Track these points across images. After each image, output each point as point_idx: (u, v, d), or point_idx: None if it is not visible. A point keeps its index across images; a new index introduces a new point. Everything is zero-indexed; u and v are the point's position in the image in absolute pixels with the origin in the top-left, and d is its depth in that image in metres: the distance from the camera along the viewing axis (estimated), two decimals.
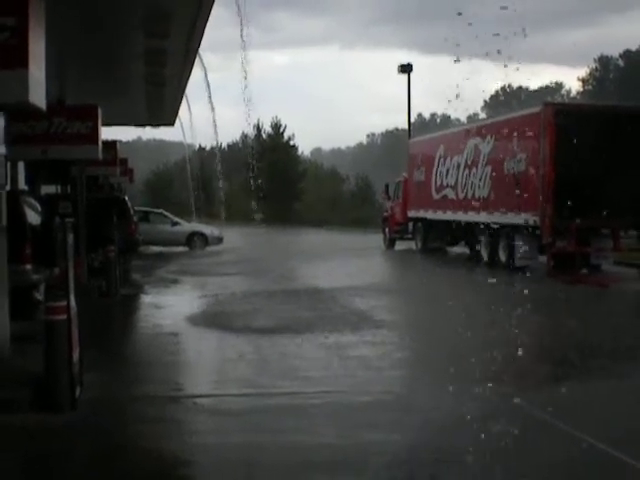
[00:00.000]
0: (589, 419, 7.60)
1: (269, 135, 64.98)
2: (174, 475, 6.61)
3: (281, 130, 65.16)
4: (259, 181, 44.96)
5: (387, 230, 34.24)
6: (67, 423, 7.73)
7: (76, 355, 8.24)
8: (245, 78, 14.84)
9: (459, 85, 6.79)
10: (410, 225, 32.45)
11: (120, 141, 24.71)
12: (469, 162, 26.33)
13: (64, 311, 8.01)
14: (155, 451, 7.14)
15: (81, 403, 8.08)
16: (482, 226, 24.67)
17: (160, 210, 34.81)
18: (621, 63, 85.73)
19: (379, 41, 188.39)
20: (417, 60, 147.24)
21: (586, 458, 6.64)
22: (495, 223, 23.68)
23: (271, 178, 58.75)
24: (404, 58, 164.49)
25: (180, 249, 31.10)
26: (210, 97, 32.40)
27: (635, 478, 6.39)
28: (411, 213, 31.98)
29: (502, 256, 23.14)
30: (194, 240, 31.86)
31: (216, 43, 68.39)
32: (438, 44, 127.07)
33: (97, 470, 6.64)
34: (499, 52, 6.35)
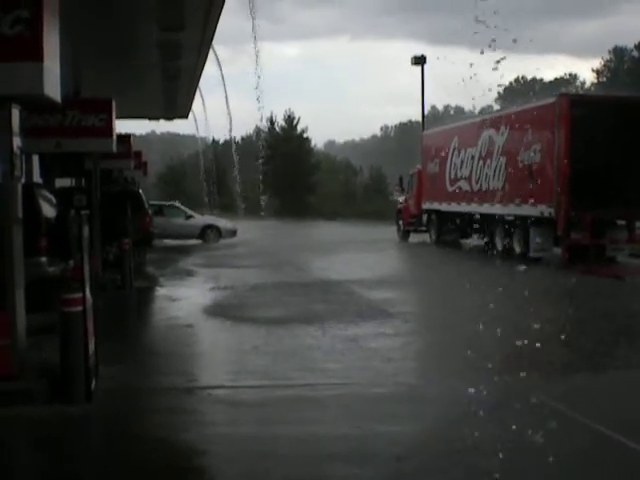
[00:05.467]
0: (606, 410, 7.56)
1: (282, 128, 64.93)
2: (189, 465, 6.61)
3: (294, 122, 65.11)
4: (267, 175, 44.76)
5: (401, 222, 34.20)
6: (83, 414, 7.76)
7: (92, 347, 8.26)
8: (257, 67, 14.84)
9: (472, 77, 6.71)
10: (424, 217, 32.39)
11: (134, 134, 24.75)
12: (483, 154, 26.23)
13: (80, 303, 8.03)
14: (170, 441, 7.16)
15: (96, 394, 8.10)
16: (497, 218, 24.59)
17: (174, 203, 34.86)
18: (636, 54, 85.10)
19: (389, 32, 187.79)
20: (428, 51, 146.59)
21: (603, 450, 6.61)
22: (510, 215, 23.61)
23: (284, 171, 58.76)
24: (415, 49, 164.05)
25: (194, 242, 31.17)
26: (225, 89, 32.59)
27: None
28: (425, 205, 31.91)
29: (517, 248, 23.05)
30: (208, 233, 31.93)
31: (224, 35, 68.16)
32: (449, 35, 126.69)
33: (112, 459, 6.66)
34: (514, 41, 6.28)
